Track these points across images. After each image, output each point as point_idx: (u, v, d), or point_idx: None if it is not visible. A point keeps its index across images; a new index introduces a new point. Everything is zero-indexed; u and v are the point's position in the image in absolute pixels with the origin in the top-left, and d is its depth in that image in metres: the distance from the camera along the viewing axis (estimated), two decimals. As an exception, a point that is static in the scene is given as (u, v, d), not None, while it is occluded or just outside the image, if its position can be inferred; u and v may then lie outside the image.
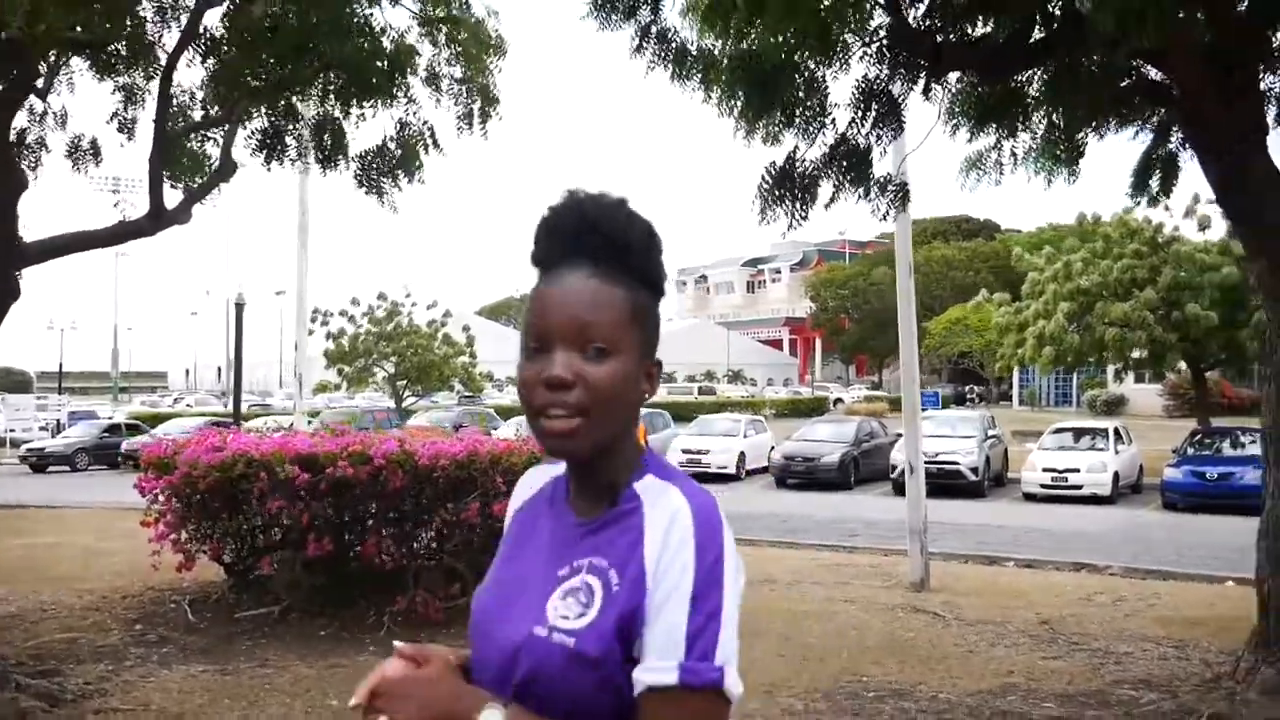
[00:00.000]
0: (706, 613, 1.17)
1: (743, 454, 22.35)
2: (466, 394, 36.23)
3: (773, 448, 23.09)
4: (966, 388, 62.54)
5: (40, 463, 25.82)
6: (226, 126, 6.37)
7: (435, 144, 6.50)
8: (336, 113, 6.91)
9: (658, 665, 1.17)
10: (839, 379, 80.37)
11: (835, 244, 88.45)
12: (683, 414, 30.72)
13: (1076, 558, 11.34)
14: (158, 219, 5.85)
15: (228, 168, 6.20)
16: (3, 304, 4.83)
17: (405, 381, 29.77)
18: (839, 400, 56.52)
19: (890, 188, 6.31)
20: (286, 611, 7.71)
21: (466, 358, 31.16)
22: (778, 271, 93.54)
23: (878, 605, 8.11)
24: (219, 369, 75.96)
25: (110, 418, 33.40)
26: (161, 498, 8.05)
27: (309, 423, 15.16)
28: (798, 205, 6.04)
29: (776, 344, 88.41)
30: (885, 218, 6.45)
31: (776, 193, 5.96)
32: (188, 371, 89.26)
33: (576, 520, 1.32)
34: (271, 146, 6.87)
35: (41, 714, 5.17)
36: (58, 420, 33.16)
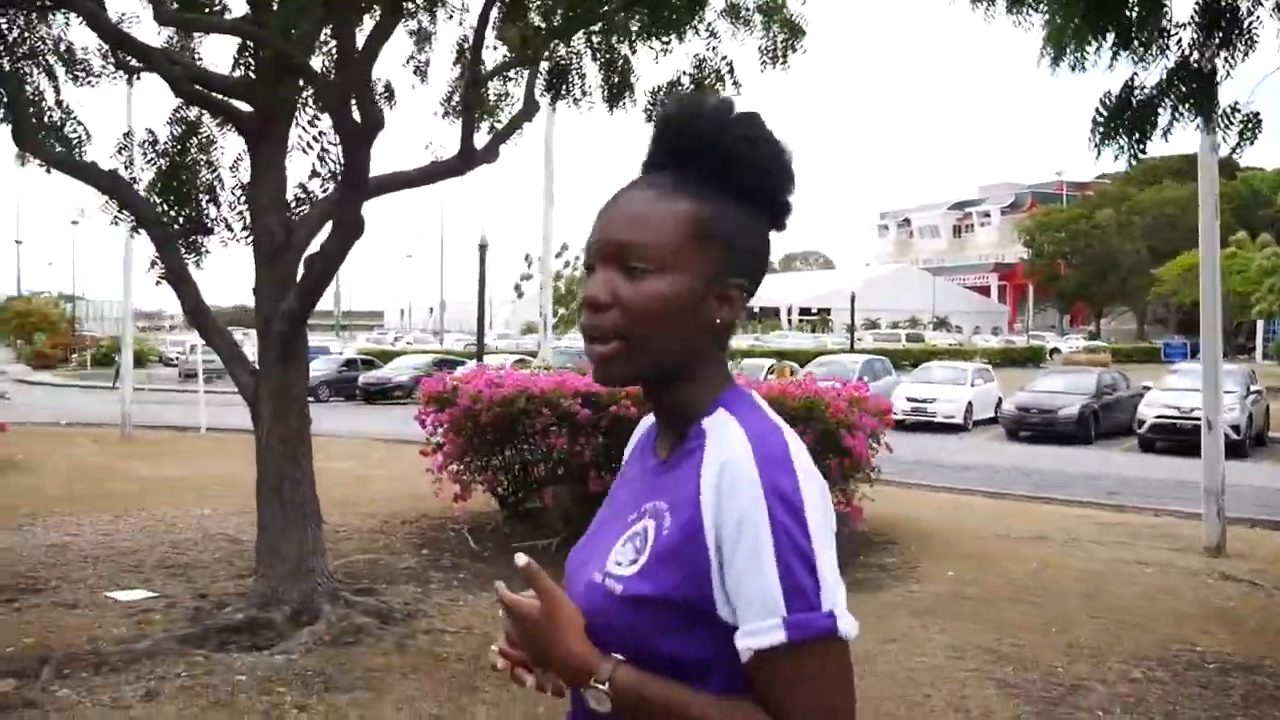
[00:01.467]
0: (800, 559, 1.06)
1: (970, 404, 21.49)
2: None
3: (1000, 398, 22.16)
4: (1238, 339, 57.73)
5: (377, 392, 27.38)
6: (527, 67, 6.40)
7: (733, 79, 6.34)
8: (627, 50, 6.85)
9: (761, 626, 1.06)
10: (1051, 328, 76.41)
11: (1051, 185, 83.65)
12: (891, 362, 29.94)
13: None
14: (468, 159, 5.94)
15: (531, 107, 6.23)
16: (351, 239, 5.01)
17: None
18: (1055, 350, 53.64)
19: (1238, 116, 5.69)
20: (563, 544, 7.91)
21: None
22: (986, 215, 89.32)
23: (1176, 569, 7.56)
24: (431, 309, 79.49)
25: (340, 353, 35.52)
26: (441, 430, 8.41)
27: (532, 363, 15.56)
28: (1134, 138, 5.53)
29: (984, 290, 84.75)
30: (1235, 150, 5.84)
31: (1113, 124, 5.48)
32: (402, 311, 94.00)
33: (656, 462, 1.23)
34: (558, 86, 6.89)
35: (375, 630, 5.44)
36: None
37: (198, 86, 5.47)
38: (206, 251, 6.22)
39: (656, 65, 6.46)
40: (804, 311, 74.71)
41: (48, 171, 6.34)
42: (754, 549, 1.05)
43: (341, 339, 60.77)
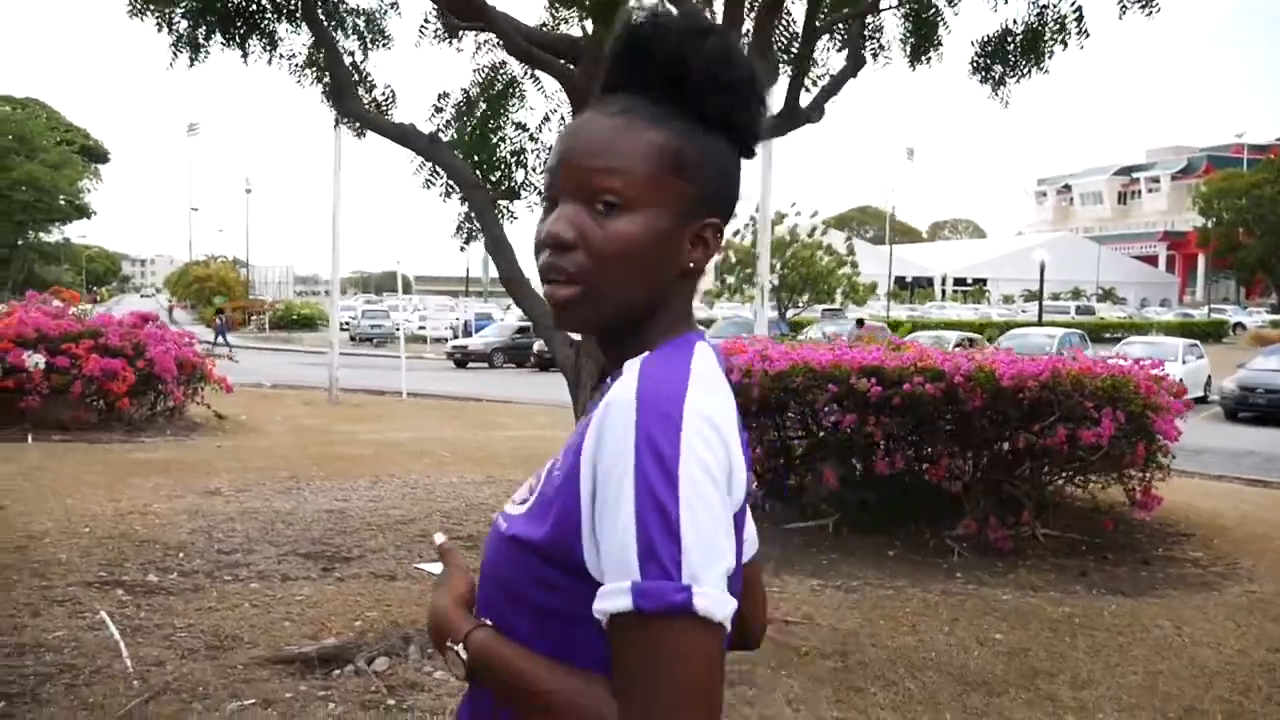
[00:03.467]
0: (660, 517, 0.91)
1: (1181, 381, 20.13)
2: (831, 307, 35.63)
3: (1209, 376, 20.75)
4: None
5: (463, 359, 28.26)
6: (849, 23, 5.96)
7: (1080, 29, 5.74)
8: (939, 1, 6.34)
9: (610, 588, 0.94)
10: (1225, 300, 72.00)
11: (1229, 148, 78.52)
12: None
13: None
14: (792, 117, 5.55)
15: (858, 62, 5.79)
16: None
17: (790, 293, 29.62)
18: (1239, 325, 50.40)
19: None
20: (839, 525, 7.55)
21: (849, 269, 30.47)
22: (1155, 180, 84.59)
23: None
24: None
25: (501, 320, 36.02)
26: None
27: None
28: None
29: (1150, 260, 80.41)
30: None
31: None
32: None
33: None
34: (854, 41, 6.43)
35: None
36: (465, 322, 36.18)
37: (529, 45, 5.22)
38: (514, 217, 6.03)
39: (992, 12, 5.90)
40: (958, 282, 72.33)
41: (360, 135, 6.26)
42: (615, 499, 0.94)
43: (485, 304, 61.73)
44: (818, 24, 5.59)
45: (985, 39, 6.10)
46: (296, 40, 6.62)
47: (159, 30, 6.19)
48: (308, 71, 6.69)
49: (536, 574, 1.02)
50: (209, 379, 13.01)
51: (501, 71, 5.89)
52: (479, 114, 5.90)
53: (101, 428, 11.82)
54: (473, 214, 5.61)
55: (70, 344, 11.49)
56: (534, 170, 5.92)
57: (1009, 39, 6.04)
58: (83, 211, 57.48)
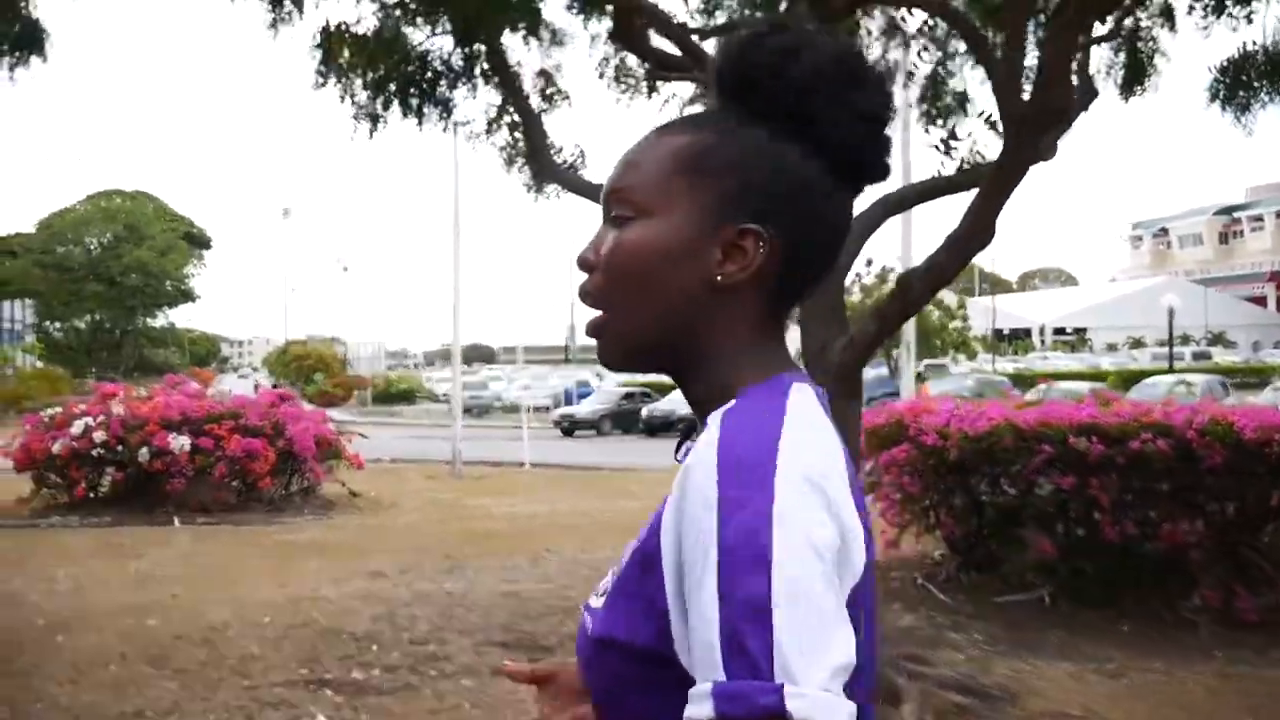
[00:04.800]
0: (746, 605, 0.74)
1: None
2: (935, 362, 34.69)
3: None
4: None
5: (570, 427, 28.07)
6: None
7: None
8: (1159, 27, 5.89)
9: (697, 691, 0.76)
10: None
11: (1341, 184, 75.66)
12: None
13: None
14: (1025, 157, 5.11)
15: (1091, 94, 5.35)
16: (976, 251, 4.27)
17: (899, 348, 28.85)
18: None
19: None
20: (1055, 596, 6.91)
21: (959, 322, 29.66)
22: (1258, 219, 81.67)
23: None
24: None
25: (599, 386, 35.84)
26: (887, 470, 7.62)
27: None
28: None
29: (1259, 301, 77.35)
30: None
31: None
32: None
33: None
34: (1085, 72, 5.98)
35: (984, 712, 4.62)
36: (565, 390, 36.12)
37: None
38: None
39: (1233, 34, 5.42)
40: (1057, 331, 70.46)
41: (539, 196, 6.02)
42: (699, 582, 0.77)
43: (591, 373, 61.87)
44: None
45: (1226, 63, 5.61)
46: (472, 107, 6.46)
47: (341, 101, 6.07)
48: (482, 137, 6.49)
49: (630, 676, 0.88)
50: (343, 456, 12.88)
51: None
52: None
53: (241, 508, 11.70)
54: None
55: (212, 425, 11.45)
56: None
57: (1251, 62, 5.54)
58: (188, 296, 59.44)
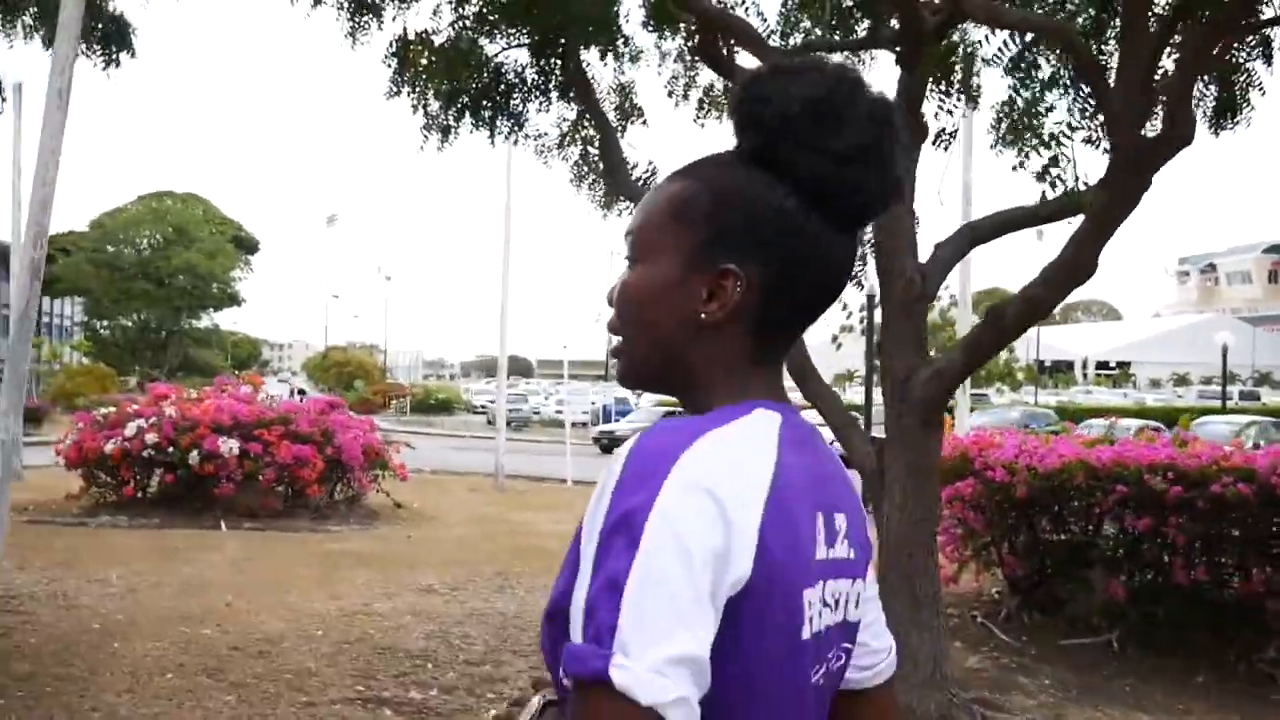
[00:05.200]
0: (607, 578, 0.82)
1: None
2: (977, 392, 34.19)
3: None
4: None
5: (609, 445, 27.97)
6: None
7: None
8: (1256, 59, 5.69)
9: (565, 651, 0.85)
10: None
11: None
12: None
13: None
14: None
15: (1190, 128, 5.17)
16: (1077, 284, 4.13)
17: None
18: None
19: None
20: (1126, 640, 6.69)
21: (1005, 353, 29.21)
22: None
23: None
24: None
25: (637, 404, 35.72)
26: (949, 504, 7.44)
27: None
28: None
29: (1310, 341, 75.85)
30: None
31: None
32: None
33: None
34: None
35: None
36: (604, 406, 36.03)
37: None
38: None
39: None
40: (1100, 365, 69.46)
41: (629, 214, 5.94)
42: (584, 554, 0.87)
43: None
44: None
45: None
46: (544, 120, 6.40)
47: (413, 112, 6.03)
48: (554, 151, 6.43)
49: (560, 639, 0.90)
50: (389, 466, 12.85)
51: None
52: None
53: (288, 515, 11.69)
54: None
55: (262, 430, 11.46)
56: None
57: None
58: (234, 299, 60.10)
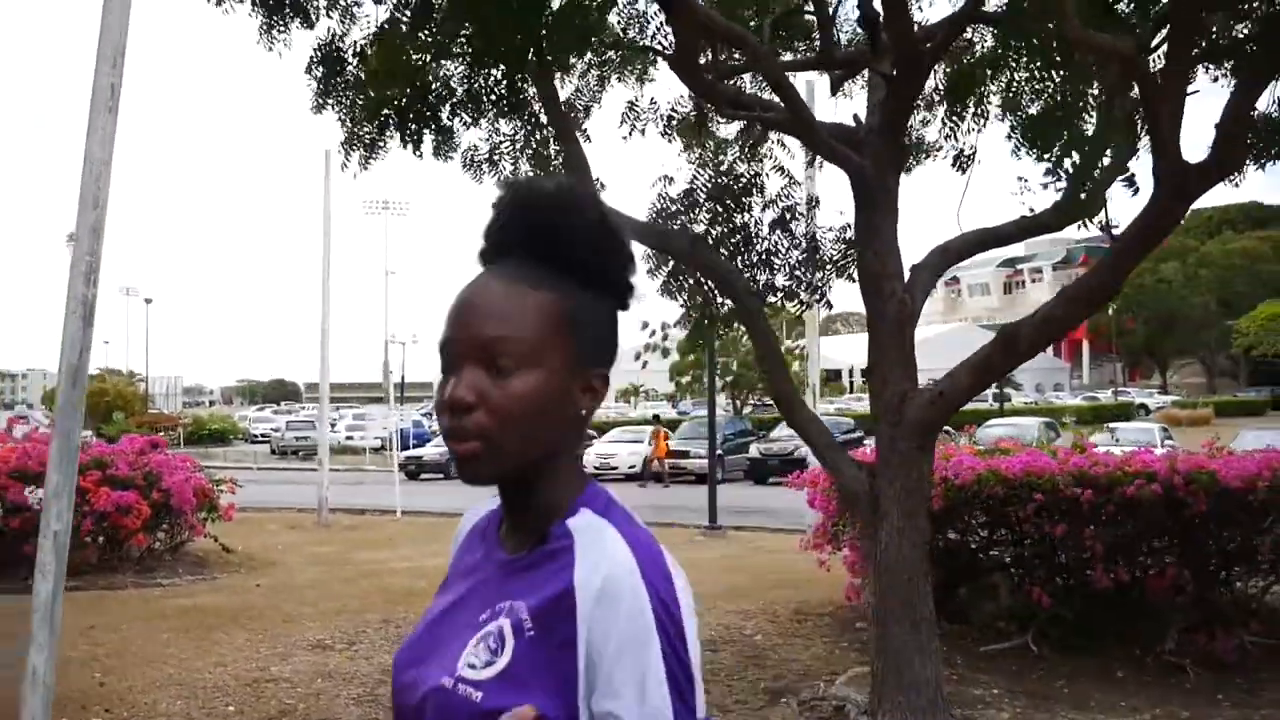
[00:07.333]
0: (682, 670, 0.99)
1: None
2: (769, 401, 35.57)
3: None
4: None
5: (417, 470, 26.96)
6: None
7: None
8: None
9: None
10: (1111, 383, 75.26)
11: (1102, 240, 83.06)
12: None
13: None
14: (1069, 212, 5.14)
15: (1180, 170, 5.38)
16: (1095, 308, 4.19)
17: (743, 390, 29.46)
18: (1143, 407, 52.42)
19: None
20: (1039, 646, 6.96)
21: (798, 365, 30.52)
22: (1038, 271, 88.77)
23: None
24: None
25: (433, 429, 34.70)
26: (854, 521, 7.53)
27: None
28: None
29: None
30: None
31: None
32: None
33: (506, 558, 1.13)
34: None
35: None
36: (401, 431, 34.72)
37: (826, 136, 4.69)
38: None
39: None
40: (865, 373, 73.85)
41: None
42: (640, 670, 0.97)
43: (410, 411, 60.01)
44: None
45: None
46: (472, 135, 6.01)
47: (341, 125, 5.50)
48: (484, 167, 6.04)
49: None
50: (217, 508, 11.73)
51: (755, 166, 5.33)
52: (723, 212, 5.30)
53: (106, 569, 10.43)
54: (731, 323, 4.97)
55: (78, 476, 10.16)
56: (818, 268, 5.33)
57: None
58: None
